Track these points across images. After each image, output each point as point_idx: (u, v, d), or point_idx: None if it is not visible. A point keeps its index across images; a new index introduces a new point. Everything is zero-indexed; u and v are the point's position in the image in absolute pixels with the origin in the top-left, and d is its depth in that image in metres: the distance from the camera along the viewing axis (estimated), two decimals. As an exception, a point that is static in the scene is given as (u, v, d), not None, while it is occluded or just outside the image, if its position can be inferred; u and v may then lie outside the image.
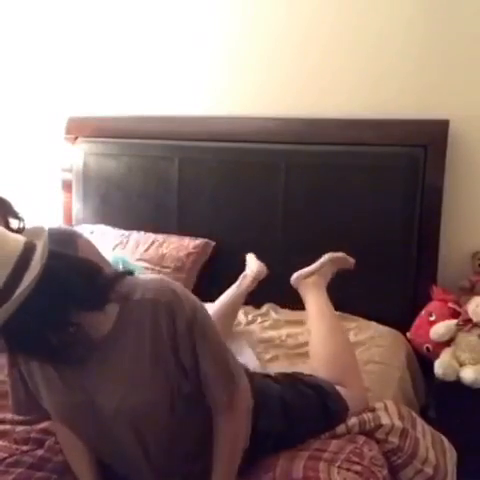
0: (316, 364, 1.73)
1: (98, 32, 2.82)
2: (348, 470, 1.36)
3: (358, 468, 1.37)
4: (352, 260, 2.03)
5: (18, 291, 0.99)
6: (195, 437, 1.30)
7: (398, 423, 1.53)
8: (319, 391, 1.57)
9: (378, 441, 1.49)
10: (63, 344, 1.08)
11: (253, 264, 2.18)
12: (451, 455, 1.56)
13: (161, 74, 2.72)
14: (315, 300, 1.90)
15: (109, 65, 2.83)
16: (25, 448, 1.49)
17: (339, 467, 1.36)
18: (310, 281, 1.95)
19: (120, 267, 2.12)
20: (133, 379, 1.18)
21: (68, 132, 2.88)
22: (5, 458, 1.44)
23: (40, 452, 1.49)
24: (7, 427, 1.57)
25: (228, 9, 2.54)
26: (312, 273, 1.96)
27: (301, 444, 1.45)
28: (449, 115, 2.22)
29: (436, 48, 2.25)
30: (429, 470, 1.48)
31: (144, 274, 2.04)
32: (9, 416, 1.60)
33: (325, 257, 1.99)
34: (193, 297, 1.24)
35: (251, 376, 1.43)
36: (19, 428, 1.57)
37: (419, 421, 1.61)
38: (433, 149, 2.24)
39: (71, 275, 1.08)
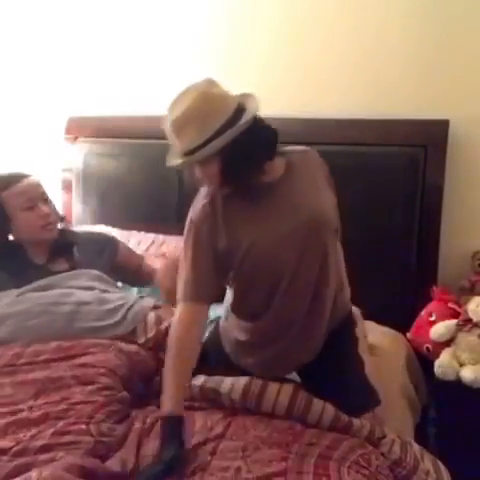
0: None
1: (98, 32, 2.83)
2: (357, 472, 1.37)
3: (366, 472, 1.38)
4: None
5: (239, 123, 1.41)
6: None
7: (397, 439, 1.55)
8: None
9: (382, 454, 1.49)
10: (258, 175, 1.51)
11: None
12: (446, 476, 1.55)
13: (161, 74, 2.72)
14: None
15: (109, 65, 2.84)
16: (34, 431, 1.44)
17: (349, 468, 1.37)
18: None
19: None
20: (315, 192, 1.61)
21: (68, 132, 2.88)
22: (12, 447, 1.40)
23: (51, 431, 1.44)
24: (23, 414, 1.51)
25: (226, 9, 2.55)
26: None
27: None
28: (449, 115, 2.22)
29: (436, 48, 2.25)
30: None
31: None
32: (29, 403, 1.54)
33: None
34: None
35: None
36: (34, 413, 1.51)
37: (413, 443, 1.61)
38: (433, 149, 2.23)
39: (263, 128, 1.52)
